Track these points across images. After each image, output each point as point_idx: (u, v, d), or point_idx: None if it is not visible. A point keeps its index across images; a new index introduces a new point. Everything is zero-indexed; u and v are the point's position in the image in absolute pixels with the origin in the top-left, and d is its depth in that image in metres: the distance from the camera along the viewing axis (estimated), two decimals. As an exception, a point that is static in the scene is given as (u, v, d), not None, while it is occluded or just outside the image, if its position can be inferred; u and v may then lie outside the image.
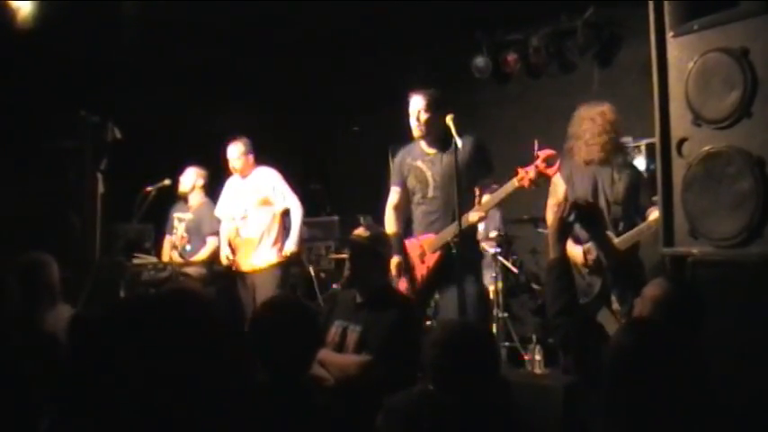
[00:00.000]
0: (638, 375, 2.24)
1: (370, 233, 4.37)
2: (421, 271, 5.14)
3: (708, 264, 3.36)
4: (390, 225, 5.32)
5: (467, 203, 4.87)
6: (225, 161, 6.84)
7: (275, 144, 9.03)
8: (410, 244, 5.24)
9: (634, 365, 2.25)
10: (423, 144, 5.27)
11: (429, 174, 5.17)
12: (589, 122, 4.88)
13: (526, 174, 4.74)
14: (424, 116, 5.15)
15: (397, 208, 5.36)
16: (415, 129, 5.21)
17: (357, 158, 8.83)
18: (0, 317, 4.17)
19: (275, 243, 6.76)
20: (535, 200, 7.16)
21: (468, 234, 5.05)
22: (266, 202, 6.76)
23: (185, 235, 7.30)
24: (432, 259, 5.09)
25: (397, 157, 5.43)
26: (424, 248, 5.12)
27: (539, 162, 4.73)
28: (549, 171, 4.75)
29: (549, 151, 4.74)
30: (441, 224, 5.08)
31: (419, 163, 5.23)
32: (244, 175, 6.85)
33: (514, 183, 4.78)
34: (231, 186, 6.99)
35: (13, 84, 6.99)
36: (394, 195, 5.39)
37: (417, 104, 5.19)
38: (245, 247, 6.76)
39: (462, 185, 4.79)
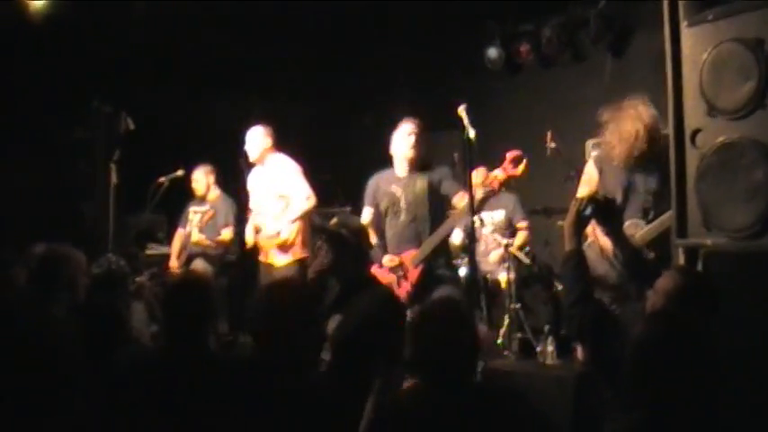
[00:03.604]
0: (662, 367, 2.27)
1: (344, 224, 4.38)
2: (405, 288, 5.35)
3: (721, 255, 3.36)
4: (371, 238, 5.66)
5: (439, 217, 5.37)
6: (236, 150, 6.74)
7: (286, 134, 9.04)
8: (389, 261, 5.45)
9: (658, 358, 2.29)
10: (397, 169, 5.60)
11: (402, 196, 5.49)
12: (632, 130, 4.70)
13: (495, 178, 5.11)
14: (416, 140, 5.49)
15: (371, 224, 5.67)
16: (410, 150, 5.50)
17: (368, 148, 8.83)
18: (4, 306, 4.17)
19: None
20: (549, 190, 7.17)
21: (444, 250, 5.50)
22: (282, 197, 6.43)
23: (203, 221, 7.25)
24: (414, 275, 5.34)
25: (371, 182, 5.72)
26: (406, 265, 5.37)
27: (506, 164, 5.10)
28: (517, 172, 5.10)
29: (515, 152, 5.02)
30: (414, 243, 5.40)
31: (393, 188, 5.54)
32: (260, 163, 6.52)
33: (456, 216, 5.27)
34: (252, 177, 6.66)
35: (27, 75, 7.02)
36: (366, 214, 5.71)
37: (413, 129, 5.51)
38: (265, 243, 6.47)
39: (436, 205, 5.42)
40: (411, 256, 5.30)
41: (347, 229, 4.33)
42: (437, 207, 5.45)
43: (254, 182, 6.62)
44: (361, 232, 4.41)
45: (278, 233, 6.30)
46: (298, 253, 6.40)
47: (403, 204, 5.46)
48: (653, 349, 2.33)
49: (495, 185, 5.14)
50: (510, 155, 5.10)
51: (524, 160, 5.07)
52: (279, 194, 6.41)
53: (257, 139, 6.49)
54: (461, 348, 2.79)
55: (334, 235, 4.32)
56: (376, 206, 5.65)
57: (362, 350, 3.73)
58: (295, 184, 6.39)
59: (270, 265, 6.41)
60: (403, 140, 5.51)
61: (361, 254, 4.35)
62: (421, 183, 5.47)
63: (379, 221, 5.67)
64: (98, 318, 3.65)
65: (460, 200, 5.26)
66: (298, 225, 6.35)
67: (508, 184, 5.37)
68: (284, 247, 6.34)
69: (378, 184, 5.64)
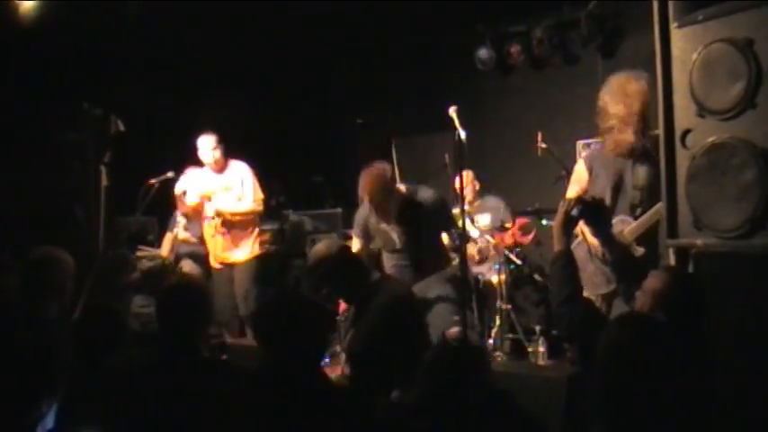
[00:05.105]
0: (624, 370, 2.21)
1: (328, 250, 4.39)
2: None
3: (712, 255, 3.36)
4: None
5: (431, 255, 5.42)
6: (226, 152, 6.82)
7: (277, 136, 9.05)
8: None
9: (620, 361, 2.22)
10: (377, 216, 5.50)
11: (395, 236, 5.43)
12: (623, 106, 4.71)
13: (502, 240, 5.32)
14: (384, 215, 5.33)
15: (359, 254, 5.54)
16: (375, 211, 5.38)
17: (360, 150, 8.83)
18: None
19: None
20: (539, 191, 7.17)
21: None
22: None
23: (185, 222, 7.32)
24: None
25: (360, 214, 5.62)
26: None
27: (515, 230, 5.04)
28: (525, 240, 5.07)
29: (524, 220, 5.04)
30: (410, 274, 5.38)
31: (384, 226, 5.45)
32: (218, 168, 6.92)
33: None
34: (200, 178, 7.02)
35: (16, 77, 6.99)
36: (357, 245, 5.65)
37: (367, 189, 5.30)
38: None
39: (425, 238, 5.37)
40: None
41: (313, 265, 4.36)
42: (430, 250, 5.48)
43: (210, 186, 6.91)
44: (326, 259, 4.36)
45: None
46: (255, 250, 6.99)
47: (399, 246, 5.43)
48: (616, 352, 2.26)
49: (501, 249, 5.39)
50: (519, 222, 5.16)
51: (534, 230, 5.12)
52: (237, 197, 6.87)
53: (213, 147, 6.82)
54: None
55: (323, 266, 4.35)
56: (366, 238, 5.61)
57: (378, 358, 3.74)
58: (251, 187, 6.90)
59: (230, 265, 6.93)
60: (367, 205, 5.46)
61: (346, 273, 4.35)
62: (410, 232, 5.41)
63: (368, 253, 5.67)
64: (96, 321, 3.65)
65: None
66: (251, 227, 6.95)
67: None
68: (237, 242, 6.88)
69: (367, 219, 5.55)
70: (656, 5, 3.59)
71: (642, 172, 4.63)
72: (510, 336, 6.41)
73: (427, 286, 5.26)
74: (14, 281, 4.23)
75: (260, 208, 7.01)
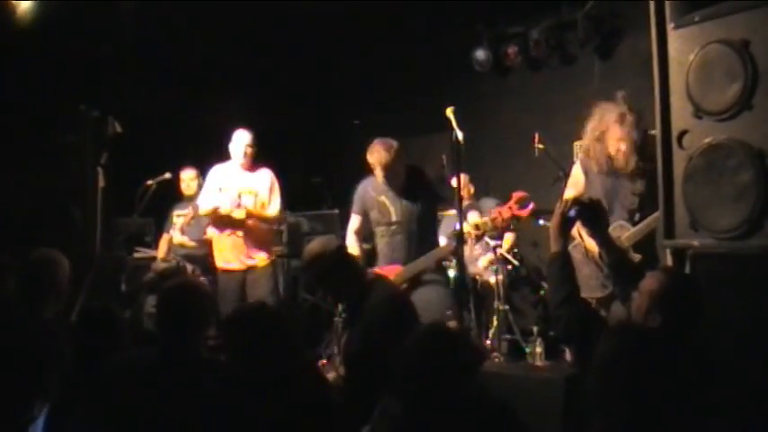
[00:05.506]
0: (622, 380, 2.21)
1: (323, 249, 4.32)
2: None
3: (708, 256, 3.36)
4: (353, 248, 5.49)
5: (428, 235, 5.48)
6: (224, 154, 6.68)
7: (276, 137, 9.03)
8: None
9: (618, 371, 2.23)
10: (385, 183, 5.47)
11: (392, 209, 5.42)
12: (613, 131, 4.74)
13: (499, 215, 5.10)
14: (390, 167, 5.35)
15: (358, 233, 5.65)
16: (383, 177, 5.39)
17: (358, 152, 8.83)
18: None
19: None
20: (537, 192, 7.18)
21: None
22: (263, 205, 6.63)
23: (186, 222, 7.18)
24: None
25: (360, 189, 5.64)
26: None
27: (512, 203, 5.06)
28: (523, 213, 5.07)
29: (521, 193, 4.99)
30: (403, 255, 5.34)
31: (383, 198, 5.46)
32: (248, 167, 6.58)
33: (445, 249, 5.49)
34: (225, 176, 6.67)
35: (14, 79, 6.99)
36: (355, 222, 5.67)
37: (383, 157, 5.36)
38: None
39: (426, 224, 5.44)
40: (396, 271, 5.20)
41: (307, 263, 4.34)
42: (426, 225, 5.47)
43: (232, 181, 6.58)
44: (321, 257, 4.30)
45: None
46: (271, 254, 6.69)
47: (394, 219, 5.40)
48: (614, 366, 2.27)
49: (499, 224, 5.19)
50: (516, 195, 5.09)
51: (531, 203, 5.07)
52: (261, 202, 6.55)
53: (248, 143, 6.48)
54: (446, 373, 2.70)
55: (317, 266, 4.30)
56: (364, 214, 5.58)
57: (373, 359, 3.71)
58: (276, 197, 6.63)
59: (252, 268, 6.54)
60: (377, 172, 5.45)
61: (352, 268, 4.32)
62: (410, 202, 5.40)
63: (367, 229, 5.65)
64: (94, 323, 3.64)
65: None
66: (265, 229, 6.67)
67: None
68: (259, 244, 6.55)
69: (366, 192, 5.55)
70: (652, 6, 3.59)
71: (641, 178, 4.65)
72: (507, 337, 6.42)
73: (417, 266, 5.24)
74: (11, 282, 4.22)
75: (282, 216, 6.98)
